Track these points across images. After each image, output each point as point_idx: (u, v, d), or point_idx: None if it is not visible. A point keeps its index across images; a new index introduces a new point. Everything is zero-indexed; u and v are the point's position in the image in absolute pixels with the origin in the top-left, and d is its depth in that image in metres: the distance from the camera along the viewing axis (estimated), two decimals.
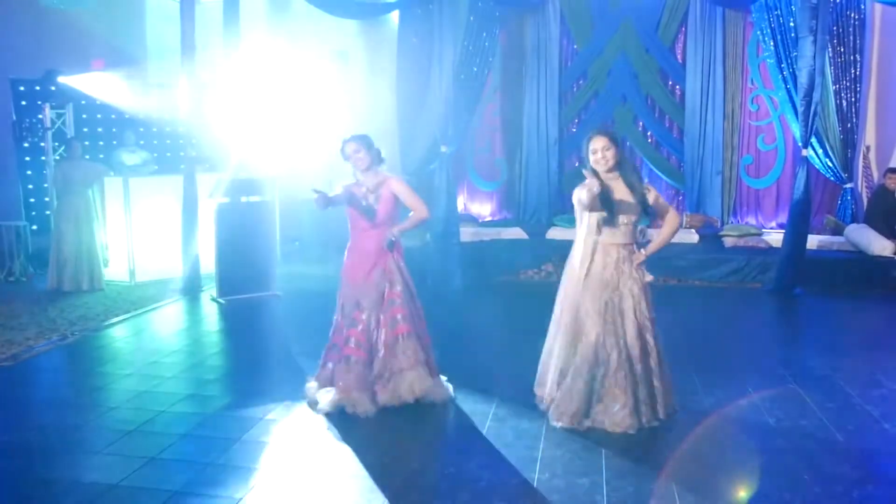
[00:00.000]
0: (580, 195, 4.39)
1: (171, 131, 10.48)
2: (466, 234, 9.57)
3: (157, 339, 6.78)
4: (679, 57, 10.70)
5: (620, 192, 4.43)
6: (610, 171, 4.43)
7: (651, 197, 4.49)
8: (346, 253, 4.93)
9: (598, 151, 4.39)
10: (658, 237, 4.63)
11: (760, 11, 9.99)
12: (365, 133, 4.91)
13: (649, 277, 4.54)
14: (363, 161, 4.79)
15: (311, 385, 4.95)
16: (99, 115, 10.42)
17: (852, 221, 9.79)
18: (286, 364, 5.86)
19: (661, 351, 4.55)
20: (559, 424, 4.45)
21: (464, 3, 10.48)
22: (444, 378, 5.05)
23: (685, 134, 10.68)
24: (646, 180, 4.57)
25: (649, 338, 4.47)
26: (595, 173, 4.39)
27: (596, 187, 4.26)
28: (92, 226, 8.68)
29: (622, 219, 4.42)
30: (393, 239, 4.79)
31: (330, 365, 4.86)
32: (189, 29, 8.35)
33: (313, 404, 4.82)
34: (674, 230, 4.60)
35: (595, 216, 4.44)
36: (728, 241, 9.62)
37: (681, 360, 5.78)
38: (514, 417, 4.67)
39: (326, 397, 4.75)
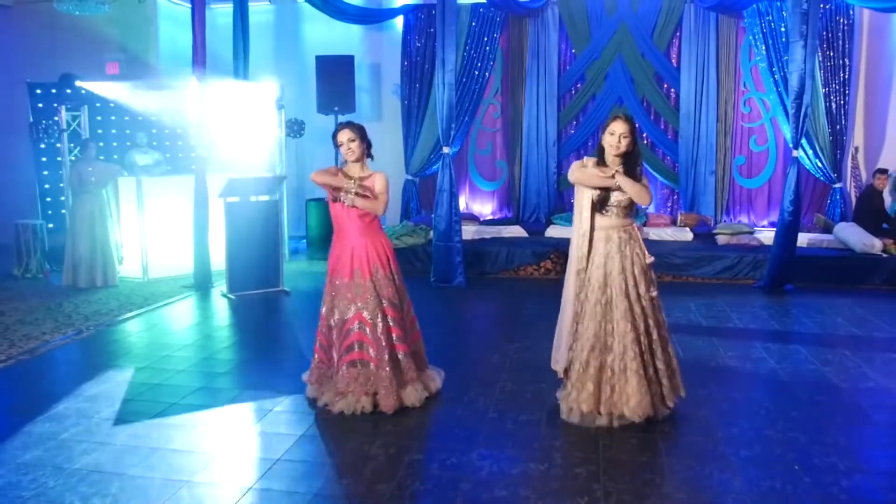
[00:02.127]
0: (579, 174, 4.36)
1: (182, 133, 10.49)
2: (468, 232, 9.57)
3: (169, 333, 6.78)
4: (674, 61, 10.68)
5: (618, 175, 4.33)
6: (618, 155, 4.32)
7: (644, 181, 4.39)
8: (331, 246, 4.78)
9: (616, 135, 4.26)
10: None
11: (753, 17, 10.00)
12: (361, 124, 4.75)
13: (650, 259, 4.44)
14: (355, 152, 4.60)
15: (310, 384, 4.89)
16: (113, 118, 10.44)
17: (841, 220, 9.78)
18: (294, 358, 5.86)
19: (665, 333, 4.48)
20: (572, 420, 4.38)
21: (466, 8, 10.50)
22: (432, 372, 5.01)
23: (680, 135, 10.66)
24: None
25: (650, 319, 4.37)
26: (601, 157, 4.34)
27: (610, 173, 4.23)
28: (106, 224, 8.69)
29: (613, 200, 4.33)
30: (350, 193, 4.52)
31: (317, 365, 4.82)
32: (200, 33, 8.34)
33: (314, 402, 4.78)
34: (638, 189, 4.27)
35: (589, 196, 4.35)
36: (721, 239, 9.61)
37: (675, 354, 5.78)
38: (513, 409, 4.67)
39: (338, 402, 4.64)
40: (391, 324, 4.64)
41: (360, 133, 4.65)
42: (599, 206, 4.37)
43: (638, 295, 4.35)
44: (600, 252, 4.38)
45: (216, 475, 3.83)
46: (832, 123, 9.94)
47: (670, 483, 3.71)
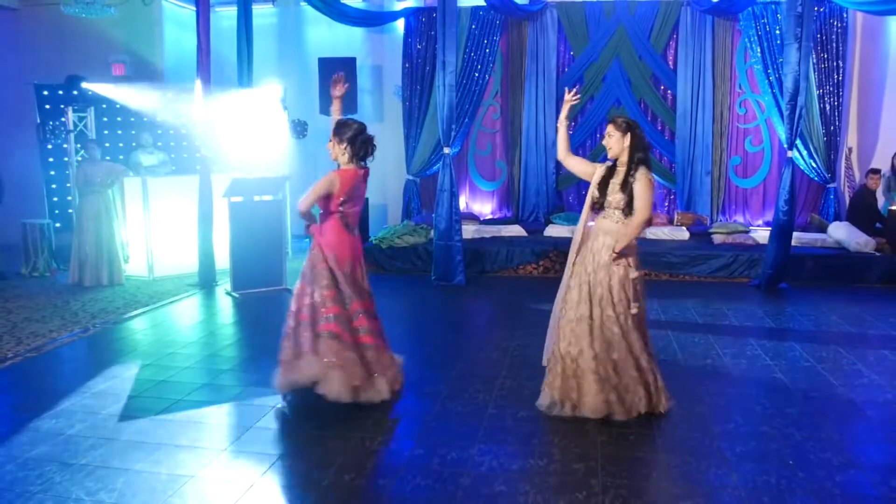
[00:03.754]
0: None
1: (186, 133, 10.49)
2: (468, 231, 9.56)
3: (174, 331, 6.78)
4: (670, 63, 10.68)
5: (618, 180, 4.35)
6: (618, 157, 4.35)
7: (637, 185, 4.25)
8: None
9: (605, 137, 4.38)
10: (621, 234, 4.31)
11: (748, 20, 10.01)
12: (345, 121, 4.74)
13: (634, 274, 4.33)
14: (332, 153, 4.72)
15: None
16: (119, 119, 10.43)
17: (835, 219, 9.79)
18: None
19: (636, 345, 4.34)
20: (541, 404, 4.49)
21: (466, 11, 10.49)
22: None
23: (676, 136, 10.66)
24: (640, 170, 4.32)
25: (616, 333, 4.30)
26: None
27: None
28: (112, 224, 8.69)
29: (609, 203, 4.35)
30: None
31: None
32: (204, 35, 8.34)
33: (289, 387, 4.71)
34: (635, 227, 4.25)
35: (591, 194, 4.42)
36: (717, 238, 9.60)
37: (671, 351, 5.80)
38: (513, 406, 4.67)
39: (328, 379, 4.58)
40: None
41: (336, 133, 4.71)
42: (598, 205, 4.41)
43: (605, 302, 4.31)
44: (588, 248, 4.45)
45: (221, 471, 3.82)
46: (826, 124, 9.94)
47: (667, 478, 3.71)
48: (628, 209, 4.32)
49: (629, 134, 4.31)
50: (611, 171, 4.40)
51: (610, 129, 4.34)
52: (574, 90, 4.54)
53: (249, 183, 8.20)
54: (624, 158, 4.33)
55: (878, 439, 4.28)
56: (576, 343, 4.36)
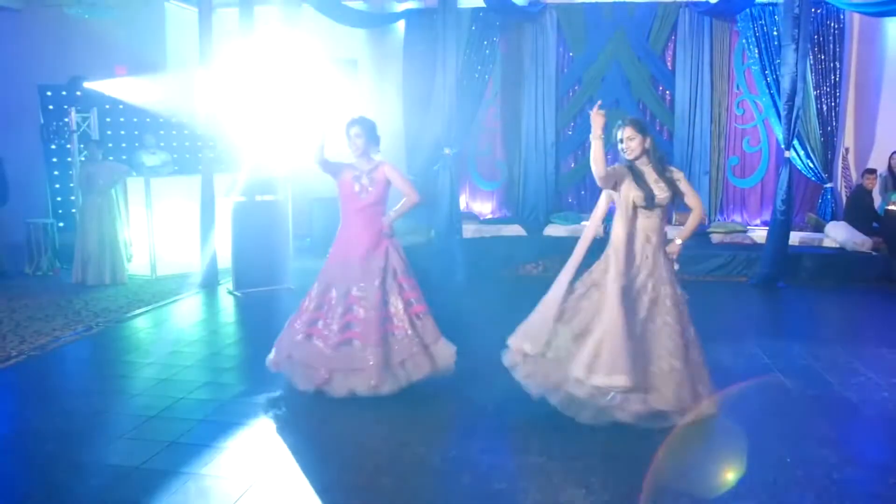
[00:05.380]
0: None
1: (189, 134, 10.48)
2: (468, 230, 9.56)
3: (177, 329, 6.78)
4: (669, 64, 10.67)
5: (652, 177, 4.37)
6: (638, 158, 4.38)
7: (682, 185, 4.44)
8: (338, 233, 4.96)
9: (624, 141, 4.38)
10: (685, 227, 4.56)
11: (746, 21, 10.00)
12: (371, 120, 4.94)
13: (676, 266, 4.51)
14: (359, 147, 4.82)
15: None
16: (122, 119, 10.43)
17: (832, 219, 9.77)
18: None
19: (689, 342, 4.44)
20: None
21: (466, 13, 10.47)
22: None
23: (675, 136, 10.64)
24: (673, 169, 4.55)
25: (679, 327, 4.42)
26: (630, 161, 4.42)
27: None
28: (115, 223, 8.69)
29: (658, 202, 4.36)
30: (390, 223, 4.83)
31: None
32: (206, 36, 8.34)
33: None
34: (698, 219, 4.55)
35: (632, 198, 4.34)
36: (715, 238, 9.61)
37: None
38: (512, 403, 4.65)
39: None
40: (406, 288, 5.00)
41: (366, 128, 4.86)
42: (648, 206, 4.36)
43: (668, 300, 4.55)
44: (637, 249, 4.43)
45: (222, 468, 3.82)
46: (823, 125, 9.94)
47: (666, 475, 3.70)
48: (671, 207, 4.46)
49: (649, 136, 4.40)
50: (637, 172, 4.37)
51: (630, 132, 4.36)
52: (597, 105, 4.42)
53: (252, 182, 8.20)
54: (644, 159, 4.38)
55: (875, 437, 4.29)
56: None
